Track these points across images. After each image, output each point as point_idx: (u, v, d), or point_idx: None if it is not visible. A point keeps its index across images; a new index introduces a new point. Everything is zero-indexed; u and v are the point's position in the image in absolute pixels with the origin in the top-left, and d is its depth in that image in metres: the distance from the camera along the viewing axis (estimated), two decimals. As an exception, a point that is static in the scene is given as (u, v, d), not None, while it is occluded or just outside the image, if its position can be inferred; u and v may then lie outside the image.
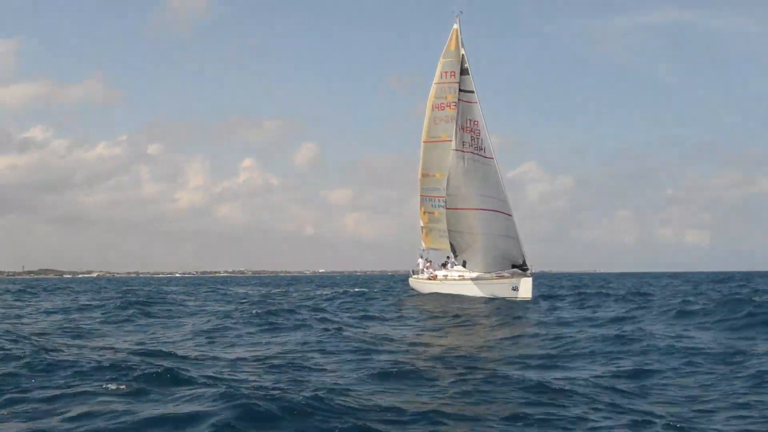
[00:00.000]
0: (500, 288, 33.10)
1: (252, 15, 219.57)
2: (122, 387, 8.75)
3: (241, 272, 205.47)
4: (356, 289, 46.45)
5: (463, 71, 35.32)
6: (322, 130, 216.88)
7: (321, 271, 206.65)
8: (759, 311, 16.68)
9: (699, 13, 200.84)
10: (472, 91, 34.66)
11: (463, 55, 36.17)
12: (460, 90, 34.64)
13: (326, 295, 37.38)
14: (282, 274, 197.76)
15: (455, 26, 37.64)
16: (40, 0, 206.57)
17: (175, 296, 35.90)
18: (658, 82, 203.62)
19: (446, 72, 38.09)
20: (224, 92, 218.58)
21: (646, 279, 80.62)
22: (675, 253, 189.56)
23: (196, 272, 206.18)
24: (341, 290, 44.87)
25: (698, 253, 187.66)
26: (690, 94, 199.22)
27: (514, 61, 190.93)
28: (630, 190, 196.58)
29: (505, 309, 24.69)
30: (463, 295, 32.76)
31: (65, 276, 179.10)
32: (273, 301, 29.53)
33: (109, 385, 8.83)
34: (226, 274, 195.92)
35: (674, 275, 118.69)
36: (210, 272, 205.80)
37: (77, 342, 14.06)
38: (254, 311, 21.27)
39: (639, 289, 39.56)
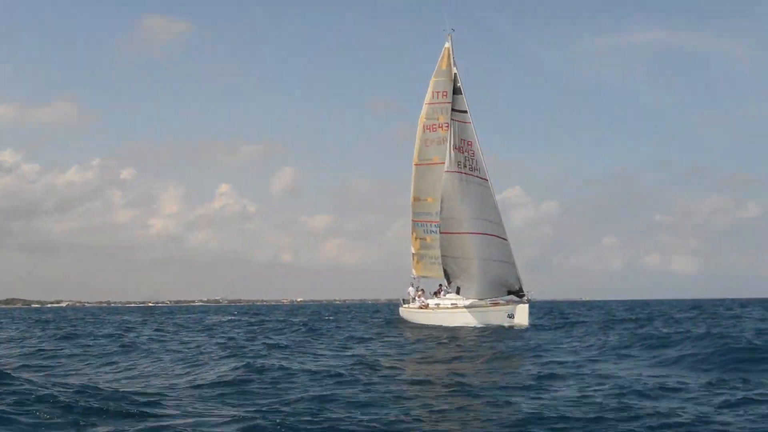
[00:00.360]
0: (495, 315, 31.68)
1: (228, 37, 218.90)
2: (58, 419, 8.54)
3: (217, 301, 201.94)
4: (331, 317, 46.55)
5: (456, 90, 34.33)
6: (301, 155, 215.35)
7: (299, 299, 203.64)
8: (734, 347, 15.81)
9: (688, 35, 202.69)
10: (466, 111, 33.59)
11: (455, 74, 35.19)
12: (453, 110, 33.53)
13: (300, 321, 37.36)
14: (259, 303, 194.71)
15: (447, 45, 36.55)
16: (10, 20, 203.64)
17: (135, 326, 35.01)
18: (646, 105, 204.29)
19: (438, 92, 36.85)
20: (200, 116, 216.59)
21: (631, 306, 79.60)
22: (663, 279, 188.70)
23: (170, 302, 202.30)
24: (317, 318, 44.82)
25: (687, 280, 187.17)
26: (678, 117, 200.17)
27: (497, 83, 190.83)
28: (617, 215, 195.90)
29: (484, 336, 24.39)
30: (455, 326, 30.85)
31: (33, 305, 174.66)
32: (240, 330, 29.61)
33: (45, 416, 8.69)
34: (201, 304, 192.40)
35: (661, 302, 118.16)
36: (184, 302, 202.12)
37: (23, 373, 13.40)
38: (214, 343, 21.46)
39: (623, 317, 38.93)
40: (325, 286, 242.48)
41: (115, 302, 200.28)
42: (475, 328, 30.01)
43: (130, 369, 14.85)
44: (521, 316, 31.26)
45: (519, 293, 32.21)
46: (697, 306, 70.61)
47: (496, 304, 32.40)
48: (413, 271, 37.98)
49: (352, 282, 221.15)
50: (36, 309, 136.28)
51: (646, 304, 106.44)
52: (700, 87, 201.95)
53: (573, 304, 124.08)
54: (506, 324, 30.72)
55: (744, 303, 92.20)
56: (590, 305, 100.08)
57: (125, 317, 55.52)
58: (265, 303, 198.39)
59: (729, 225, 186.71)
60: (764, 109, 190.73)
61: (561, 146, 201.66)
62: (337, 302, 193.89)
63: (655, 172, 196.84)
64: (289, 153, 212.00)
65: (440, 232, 32.83)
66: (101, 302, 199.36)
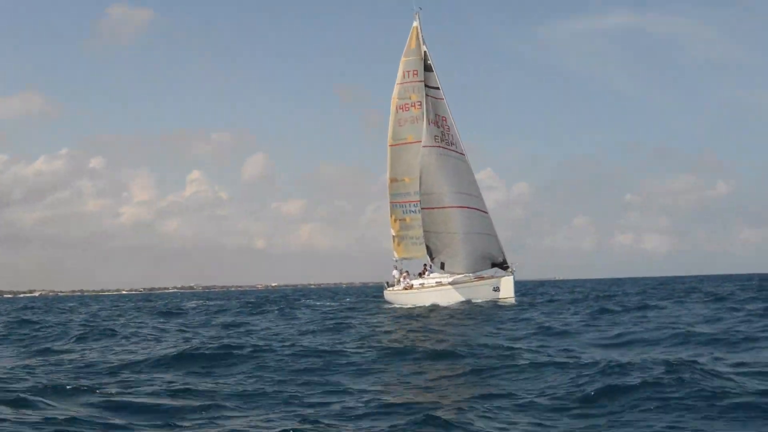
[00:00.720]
0: (481, 290, 31.67)
1: (196, 26, 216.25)
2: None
3: (191, 288, 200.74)
4: (305, 300, 46.49)
5: (427, 68, 34.37)
6: (272, 142, 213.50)
7: (273, 284, 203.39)
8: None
9: (653, 18, 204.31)
10: (438, 88, 33.72)
11: (425, 51, 35.07)
12: (426, 86, 33.58)
13: (275, 299, 37.97)
14: (233, 289, 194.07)
15: (415, 24, 36.20)
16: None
17: (110, 312, 34.80)
18: (615, 87, 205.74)
19: (408, 71, 36.50)
20: (170, 105, 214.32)
21: (603, 284, 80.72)
22: (634, 258, 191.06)
23: (143, 289, 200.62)
24: (291, 300, 44.63)
25: (657, 258, 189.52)
26: (647, 99, 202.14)
27: (467, 67, 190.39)
28: (588, 196, 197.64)
29: (464, 312, 24.43)
30: (439, 304, 30.54)
31: (5, 296, 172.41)
32: (214, 313, 29.86)
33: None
34: (175, 290, 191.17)
35: (633, 280, 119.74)
36: (158, 288, 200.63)
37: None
38: (190, 325, 21.75)
39: (595, 294, 39.77)
40: (299, 270, 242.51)
41: (88, 291, 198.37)
42: (460, 303, 29.95)
43: (107, 351, 14.75)
44: (506, 289, 31.31)
45: (503, 265, 32.28)
46: (666, 283, 71.69)
47: (481, 278, 32.41)
48: (395, 253, 36.44)
49: (326, 266, 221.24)
50: (9, 300, 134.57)
51: (618, 282, 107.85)
52: (667, 69, 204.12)
53: (545, 283, 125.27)
54: (492, 298, 30.78)
55: (704, 280, 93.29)
56: (563, 284, 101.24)
57: (98, 305, 55.08)
58: (239, 288, 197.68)
59: (698, 204, 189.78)
60: (732, 91, 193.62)
61: (531, 129, 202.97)
62: (312, 286, 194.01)
63: (625, 153, 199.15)
64: (260, 140, 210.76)
65: (421, 208, 32.65)
66: (74, 291, 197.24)
